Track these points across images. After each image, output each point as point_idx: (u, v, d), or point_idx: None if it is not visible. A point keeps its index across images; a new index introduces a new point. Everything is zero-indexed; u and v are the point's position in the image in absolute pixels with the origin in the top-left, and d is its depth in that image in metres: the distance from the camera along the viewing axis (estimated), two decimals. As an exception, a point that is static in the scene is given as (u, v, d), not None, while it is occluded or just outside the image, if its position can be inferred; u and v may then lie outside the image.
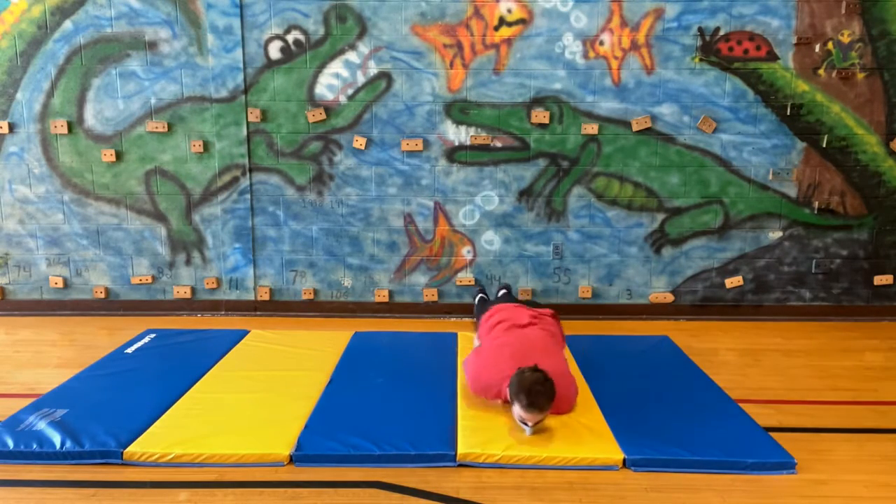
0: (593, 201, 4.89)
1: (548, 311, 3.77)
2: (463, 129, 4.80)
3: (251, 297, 5.05)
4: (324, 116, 4.78)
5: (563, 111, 4.76)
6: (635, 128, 4.77)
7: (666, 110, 4.75)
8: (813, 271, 4.95)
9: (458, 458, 2.80)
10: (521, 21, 4.65)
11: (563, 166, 4.84)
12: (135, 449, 2.82)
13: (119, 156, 4.85)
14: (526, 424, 2.92)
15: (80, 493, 2.62)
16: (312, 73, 4.74)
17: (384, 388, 3.49)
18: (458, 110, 4.77)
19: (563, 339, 3.70)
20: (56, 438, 2.87)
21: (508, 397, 3.03)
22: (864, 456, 2.91)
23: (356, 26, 4.68)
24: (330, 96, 4.78)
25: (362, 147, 4.81)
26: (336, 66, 4.74)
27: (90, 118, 4.81)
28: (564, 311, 4.99)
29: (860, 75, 4.69)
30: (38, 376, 3.78)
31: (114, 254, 5.01)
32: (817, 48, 4.66)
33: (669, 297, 5.01)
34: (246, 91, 4.76)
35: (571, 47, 4.68)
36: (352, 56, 4.72)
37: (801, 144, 4.78)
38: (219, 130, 4.81)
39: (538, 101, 4.75)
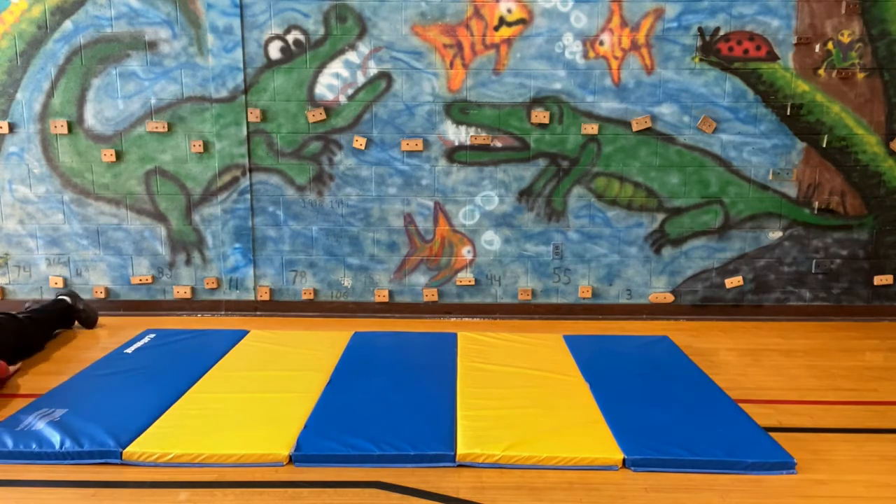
0: (593, 201, 4.89)
1: None
2: (463, 129, 4.80)
3: (251, 297, 5.05)
4: (324, 116, 4.78)
5: (563, 111, 4.76)
6: (635, 128, 4.76)
7: (666, 110, 4.75)
8: (813, 271, 4.95)
9: (457, 459, 2.80)
10: (521, 21, 4.65)
11: (563, 166, 4.84)
12: (134, 449, 2.82)
13: (119, 156, 4.85)
14: None
15: (80, 493, 2.62)
16: (312, 73, 4.74)
17: (384, 388, 3.48)
18: (458, 110, 4.77)
19: None
20: (55, 438, 2.87)
21: None
22: (864, 456, 2.91)
23: (356, 26, 4.68)
24: (330, 96, 4.77)
25: (362, 147, 4.81)
26: (336, 66, 4.74)
27: (90, 118, 4.81)
28: (564, 311, 5.02)
29: (860, 75, 4.68)
30: (38, 376, 3.78)
31: (114, 254, 5.01)
32: (817, 48, 4.66)
33: (669, 297, 5.00)
34: (246, 91, 4.76)
35: (571, 47, 4.68)
36: (352, 56, 4.72)
37: (801, 144, 4.78)
38: (219, 130, 4.80)
39: (538, 101, 4.75)
